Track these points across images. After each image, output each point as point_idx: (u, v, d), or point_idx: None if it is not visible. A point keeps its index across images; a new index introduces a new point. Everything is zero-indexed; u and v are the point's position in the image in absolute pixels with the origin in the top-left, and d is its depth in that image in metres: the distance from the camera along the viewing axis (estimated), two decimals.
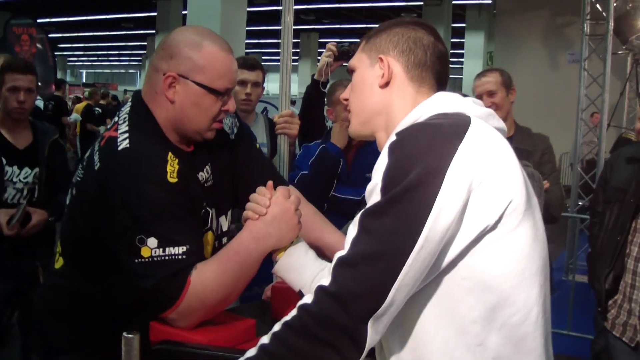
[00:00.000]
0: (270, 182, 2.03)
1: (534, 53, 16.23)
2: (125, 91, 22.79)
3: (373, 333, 1.39)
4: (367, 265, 1.39)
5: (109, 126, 2.12)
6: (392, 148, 1.47)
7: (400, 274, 1.38)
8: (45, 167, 3.90)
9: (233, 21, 10.82)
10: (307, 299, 1.45)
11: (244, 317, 2.05)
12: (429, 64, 1.71)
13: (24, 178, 3.82)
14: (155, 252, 1.86)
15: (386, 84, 1.72)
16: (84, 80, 52.07)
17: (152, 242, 1.86)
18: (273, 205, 1.95)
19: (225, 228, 2.34)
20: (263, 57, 38.01)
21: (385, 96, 1.72)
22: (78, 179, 2.14)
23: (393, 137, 1.50)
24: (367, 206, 1.48)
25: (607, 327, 3.24)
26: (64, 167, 4.10)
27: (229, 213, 2.38)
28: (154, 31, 25.94)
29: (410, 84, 1.71)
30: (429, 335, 1.50)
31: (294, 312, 1.46)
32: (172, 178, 1.95)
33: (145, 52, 35.10)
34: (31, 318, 4.03)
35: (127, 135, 2.01)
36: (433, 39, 1.73)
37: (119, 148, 1.97)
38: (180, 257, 1.88)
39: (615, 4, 8.63)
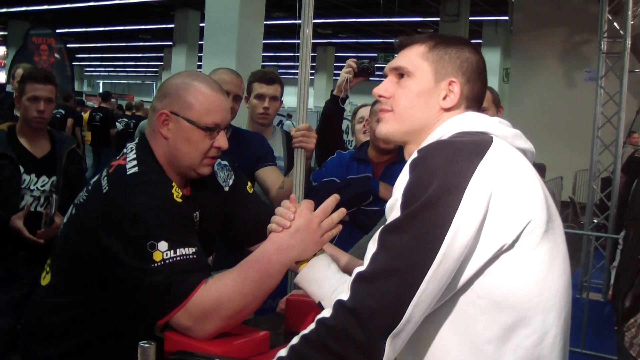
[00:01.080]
0: (293, 195, 2.08)
1: (551, 70, 16.22)
2: (142, 102, 22.86)
3: (390, 351, 1.39)
4: (385, 281, 1.40)
5: (118, 156, 2.22)
6: (414, 165, 1.48)
7: (418, 290, 1.38)
8: (62, 176, 3.93)
9: (250, 34, 10.88)
10: (326, 312, 1.46)
11: (258, 329, 2.06)
12: (481, 96, 1.75)
13: (41, 186, 3.85)
14: (167, 254, 1.91)
15: (450, 109, 1.71)
16: (101, 91, 52.27)
17: (163, 245, 1.92)
18: (297, 218, 1.98)
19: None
20: (279, 70, 38.12)
21: (440, 117, 1.70)
22: (81, 200, 2.21)
23: (415, 155, 1.51)
24: (387, 222, 1.48)
25: (626, 346, 3.21)
26: (80, 176, 4.13)
27: (211, 258, 2.45)
28: (171, 43, 26.07)
29: (464, 111, 1.72)
30: (444, 353, 1.50)
31: (312, 326, 1.47)
32: (177, 198, 2.07)
33: (162, 63, 35.25)
34: None
35: (135, 163, 2.13)
36: (485, 73, 1.77)
37: (128, 173, 2.09)
38: (191, 256, 1.94)
39: (632, 22, 8.60)
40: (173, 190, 2.07)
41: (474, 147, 1.50)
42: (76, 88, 19.42)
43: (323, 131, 3.69)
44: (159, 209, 1.98)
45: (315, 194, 3.36)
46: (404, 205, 1.44)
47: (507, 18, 20.24)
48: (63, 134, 4.20)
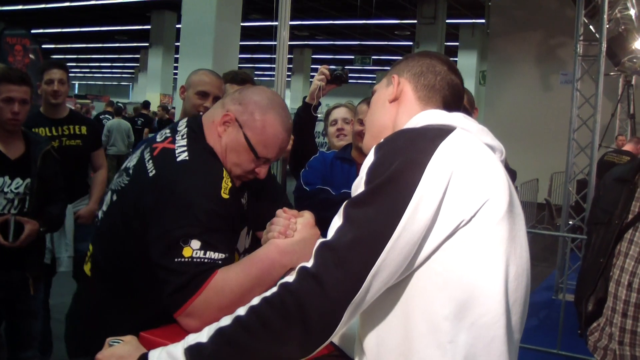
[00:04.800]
0: (285, 209, 2.14)
1: (527, 73, 16.34)
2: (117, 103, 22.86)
3: (347, 320, 1.44)
4: (348, 250, 1.45)
5: (159, 139, 2.23)
6: (378, 147, 1.58)
7: (378, 259, 1.43)
8: (37, 178, 3.87)
9: (227, 36, 10.85)
10: (289, 278, 1.49)
11: None
12: (438, 87, 1.83)
13: (15, 188, 3.79)
14: (197, 253, 1.92)
15: (395, 99, 1.85)
16: (76, 92, 51.92)
17: (195, 244, 1.93)
18: (303, 228, 2.07)
19: (247, 245, 2.42)
20: (256, 72, 38.10)
21: (393, 111, 1.85)
22: (122, 186, 2.21)
23: (381, 140, 1.60)
24: (352, 197, 1.54)
25: (590, 350, 3.21)
26: (56, 178, 4.07)
27: (248, 240, 2.47)
28: (147, 44, 26.00)
29: (417, 102, 1.82)
30: (406, 330, 1.53)
31: (274, 289, 1.49)
32: (225, 194, 2.07)
33: (138, 64, 35.11)
34: (19, 329, 4.01)
35: (185, 148, 2.13)
36: (446, 69, 1.85)
37: (178, 159, 2.10)
38: (218, 262, 1.94)
39: (608, 26, 8.68)
40: (223, 183, 2.08)
41: (436, 132, 1.59)
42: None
43: (295, 138, 3.65)
44: (202, 206, 1.99)
45: (309, 200, 3.32)
46: (368, 182, 1.52)
47: (483, 21, 20.36)
48: (38, 135, 4.15)
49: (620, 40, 10.71)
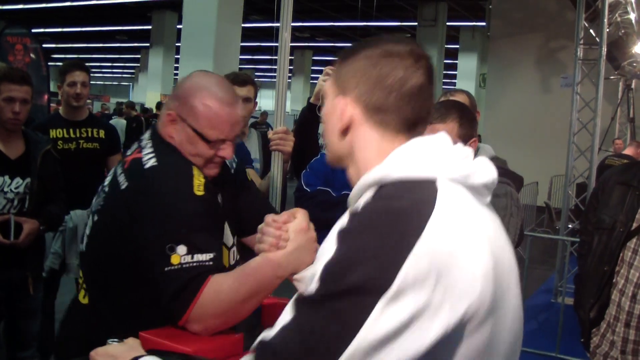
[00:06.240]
0: (274, 217, 1.97)
1: (527, 76, 16.35)
2: (118, 103, 22.88)
3: None
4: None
5: (129, 152, 2.23)
6: (342, 236, 1.29)
7: None
8: (37, 178, 3.87)
9: (227, 37, 10.85)
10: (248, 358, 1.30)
11: (232, 331, 2.05)
12: (392, 108, 1.44)
13: (15, 188, 3.79)
14: (184, 259, 1.91)
15: (346, 130, 1.49)
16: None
17: (182, 249, 1.91)
18: (296, 236, 1.92)
19: (233, 242, 2.39)
20: (256, 73, 38.09)
21: (347, 142, 1.50)
22: (100, 204, 2.19)
23: (346, 222, 1.32)
24: (305, 292, 1.28)
25: (588, 355, 3.19)
26: (56, 178, 4.07)
27: (234, 240, 2.43)
28: (148, 44, 25.99)
29: (374, 128, 1.47)
30: None
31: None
32: (198, 191, 2.04)
33: (138, 64, 35.09)
34: (17, 329, 4.01)
35: (152, 154, 2.12)
36: (402, 74, 1.43)
37: (146, 167, 2.08)
38: (207, 263, 1.93)
39: (608, 30, 8.68)
40: (195, 180, 2.05)
41: (411, 218, 1.26)
42: (52, 89, 19.94)
43: (299, 138, 3.65)
44: (179, 208, 1.98)
45: (309, 201, 3.31)
46: (323, 280, 1.25)
47: (484, 24, 20.37)
48: (38, 135, 4.14)
49: (621, 44, 10.73)
